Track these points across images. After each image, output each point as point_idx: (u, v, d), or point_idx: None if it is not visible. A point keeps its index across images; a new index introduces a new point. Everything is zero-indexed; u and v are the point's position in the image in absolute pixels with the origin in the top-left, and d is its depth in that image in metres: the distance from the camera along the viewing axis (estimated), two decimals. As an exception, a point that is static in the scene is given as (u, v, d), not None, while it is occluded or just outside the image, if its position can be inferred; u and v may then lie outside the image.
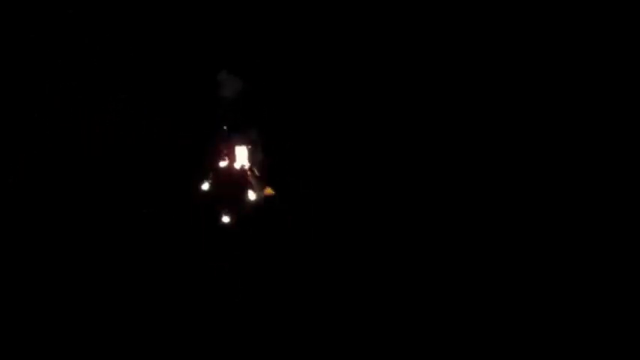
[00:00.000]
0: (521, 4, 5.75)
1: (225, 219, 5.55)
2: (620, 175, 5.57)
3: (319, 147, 5.87)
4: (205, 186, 5.59)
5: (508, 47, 5.78)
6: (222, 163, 5.61)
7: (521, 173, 5.71)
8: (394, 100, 5.88)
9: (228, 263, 5.54)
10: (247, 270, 5.54)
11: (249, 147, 5.64)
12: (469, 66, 5.82)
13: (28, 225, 5.48)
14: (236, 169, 5.62)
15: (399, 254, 5.62)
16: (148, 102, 5.77)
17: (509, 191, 5.70)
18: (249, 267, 5.55)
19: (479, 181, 5.74)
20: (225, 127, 5.64)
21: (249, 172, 5.61)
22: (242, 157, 5.63)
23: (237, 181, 5.61)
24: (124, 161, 5.70)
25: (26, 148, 5.59)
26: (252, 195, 5.60)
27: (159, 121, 5.76)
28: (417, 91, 5.87)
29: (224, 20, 5.86)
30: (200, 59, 5.82)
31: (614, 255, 5.43)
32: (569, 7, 5.69)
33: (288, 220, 5.69)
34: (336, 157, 5.86)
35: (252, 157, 5.66)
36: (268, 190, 5.63)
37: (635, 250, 5.40)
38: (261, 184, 5.62)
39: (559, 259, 5.49)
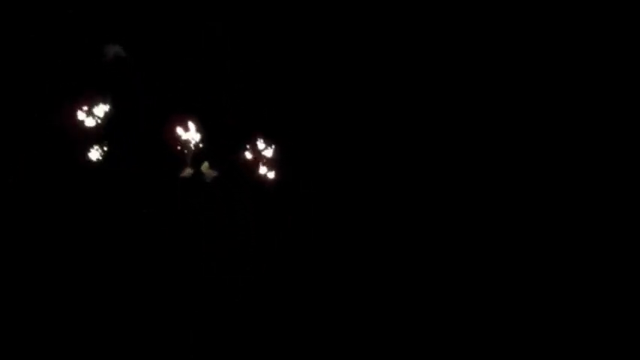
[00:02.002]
0: (521, 4, 5.76)
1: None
2: (620, 176, 5.58)
3: (318, 146, 5.88)
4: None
5: (509, 48, 5.80)
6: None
7: (520, 174, 5.72)
8: (393, 97, 5.90)
9: (226, 261, 5.56)
10: (247, 270, 5.55)
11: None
12: (470, 67, 5.83)
13: (28, 225, 5.49)
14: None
15: (398, 254, 5.63)
16: (146, 102, 5.79)
17: (509, 191, 5.71)
18: (249, 267, 5.57)
19: (479, 181, 5.75)
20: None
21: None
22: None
23: None
24: (124, 161, 5.72)
25: (26, 148, 5.59)
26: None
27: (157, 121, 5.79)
28: (413, 88, 5.88)
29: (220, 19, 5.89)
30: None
31: (614, 255, 5.44)
32: (569, 7, 5.70)
33: (288, 219, 5.71)
34: (336, 156, 5.87)
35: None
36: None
37: (635, 251, 5.41)
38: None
39: (559, 259, 5.50)
